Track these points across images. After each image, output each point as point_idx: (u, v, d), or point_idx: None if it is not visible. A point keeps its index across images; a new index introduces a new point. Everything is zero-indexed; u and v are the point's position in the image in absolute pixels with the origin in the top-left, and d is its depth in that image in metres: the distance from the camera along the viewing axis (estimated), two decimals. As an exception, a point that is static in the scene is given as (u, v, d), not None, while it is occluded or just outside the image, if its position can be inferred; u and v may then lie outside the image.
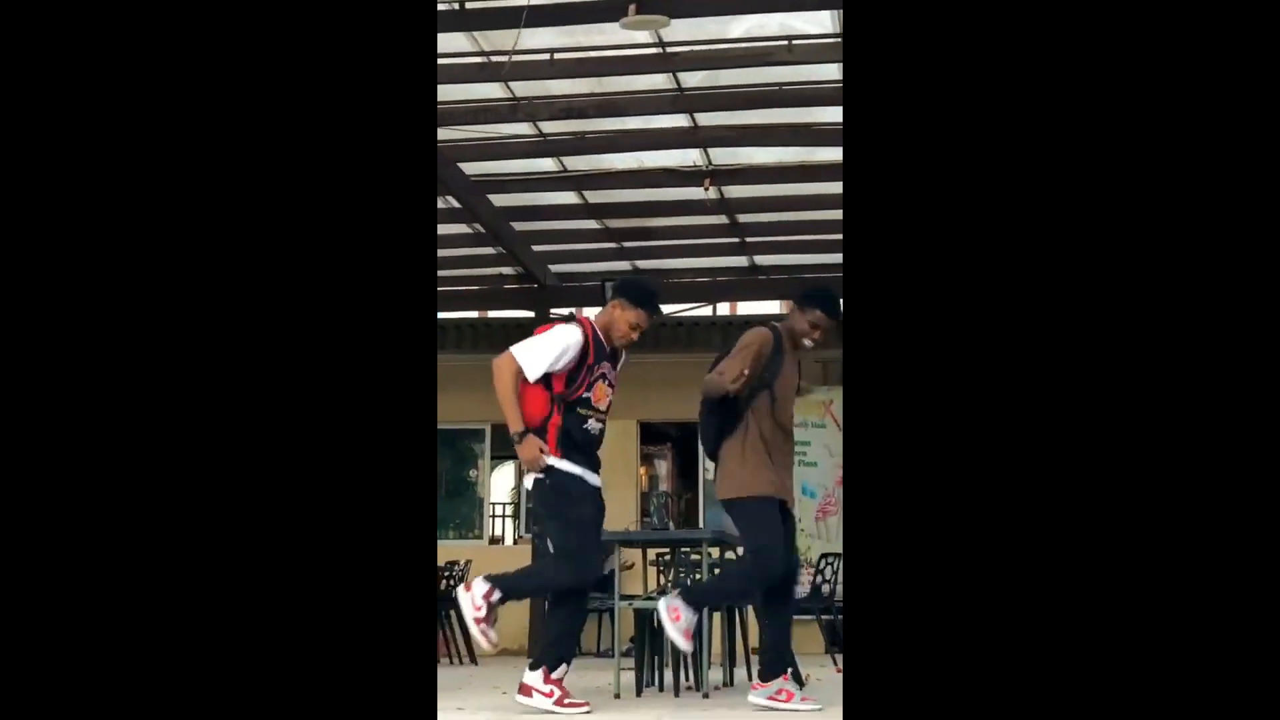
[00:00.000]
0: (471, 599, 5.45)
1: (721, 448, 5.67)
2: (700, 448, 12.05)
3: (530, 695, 5.46)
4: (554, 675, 5.47)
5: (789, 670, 5.68)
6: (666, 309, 12.82)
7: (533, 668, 5.53)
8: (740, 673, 7.27)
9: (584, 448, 5.55)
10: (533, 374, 5.39)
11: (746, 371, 5.42)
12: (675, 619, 5.50)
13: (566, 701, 5.43)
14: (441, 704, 5.84)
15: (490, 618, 5.46)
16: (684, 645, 5.65)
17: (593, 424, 5.55)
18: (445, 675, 7.65)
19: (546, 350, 5.41)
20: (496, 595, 5.46)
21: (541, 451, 5.37)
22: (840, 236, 10.71)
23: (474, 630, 5.50)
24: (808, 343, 5.74)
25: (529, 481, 5.58)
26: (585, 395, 5.47)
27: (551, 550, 5.67)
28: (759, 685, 5.64)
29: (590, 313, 5.87)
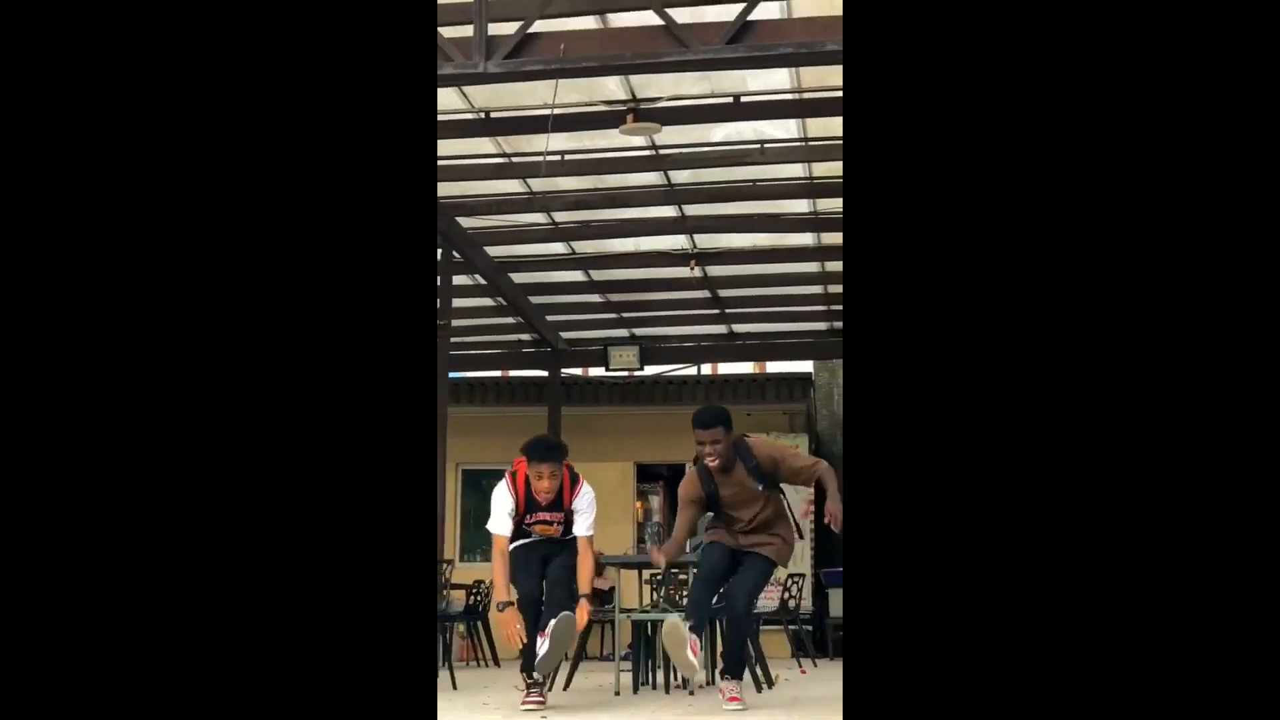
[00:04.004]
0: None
1: None
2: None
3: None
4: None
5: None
6: (659, 369, 12.93)
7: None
8: (719, 676, 7.02)
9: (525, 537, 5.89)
10: (502, 531, 5.76)
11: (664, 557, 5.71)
12: (696, 652, 5.41)
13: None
14: (469, 700, 6.09)
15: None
16: (696, 668, 5.51)
17: (535, 532, 5.85)
18: (473, 675, 7.72)
19: (497, 513, 5.80)
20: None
21: (517, 632, 5.60)
22: (807, 308, 11.03)
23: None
24: (708, 460, 5.56)
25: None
26: (527, 529, 5.82)
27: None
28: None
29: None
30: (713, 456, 5.50)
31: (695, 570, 5.93)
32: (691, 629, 5.40)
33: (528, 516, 5.78)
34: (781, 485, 5.75)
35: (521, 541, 5.86)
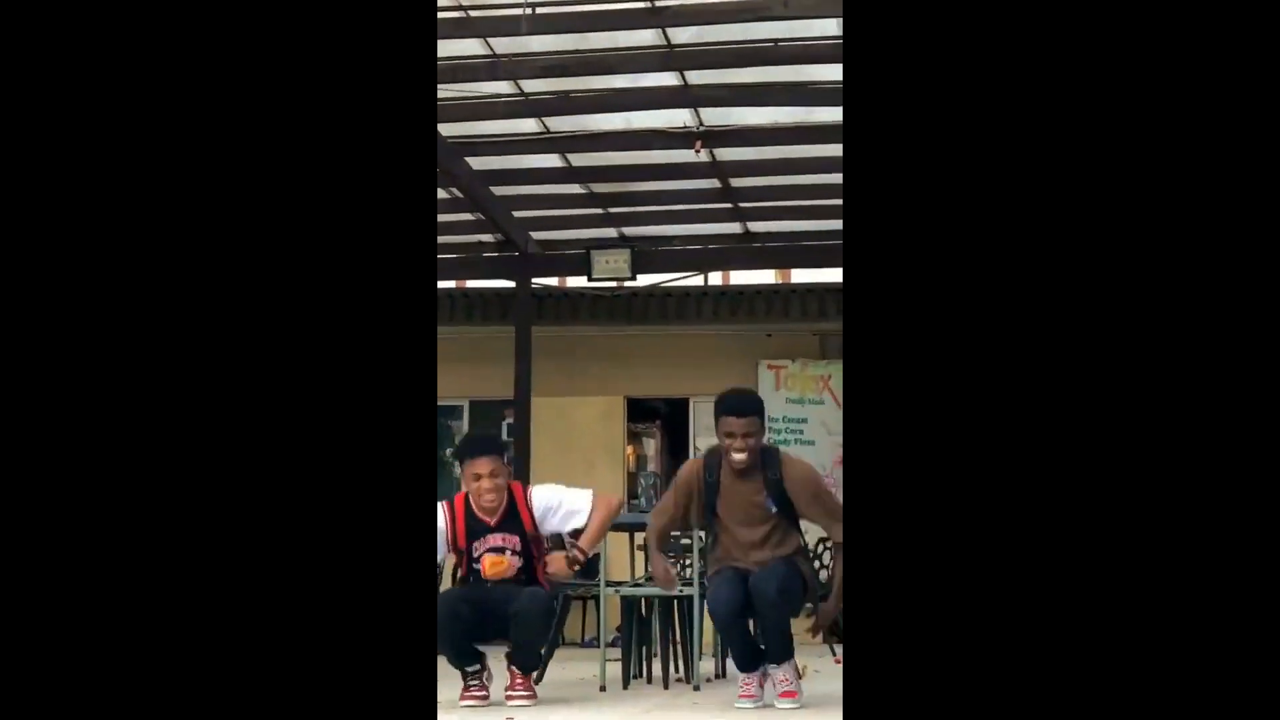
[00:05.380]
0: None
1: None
2: (691, 424, 11.73)
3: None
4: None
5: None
6: (656, 278, 12.70)
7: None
8: (732, 664, 6.86)
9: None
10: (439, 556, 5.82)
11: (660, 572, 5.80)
12: (793, 696, 5.42)
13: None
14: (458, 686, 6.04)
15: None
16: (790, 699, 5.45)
17: (485, 573, 5.70)
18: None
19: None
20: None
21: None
22: (839, 201, 10.07)
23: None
24: (735, 456, 5.36)
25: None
26: (475, 568, 5.67)
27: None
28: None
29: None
30: (742, 451, 5.33)
31: (710, 611, 5.75)
32: (744, 670, 5.52)
33: (474, 545, 5.61)
34: (800, 522, 5.59)
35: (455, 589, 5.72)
